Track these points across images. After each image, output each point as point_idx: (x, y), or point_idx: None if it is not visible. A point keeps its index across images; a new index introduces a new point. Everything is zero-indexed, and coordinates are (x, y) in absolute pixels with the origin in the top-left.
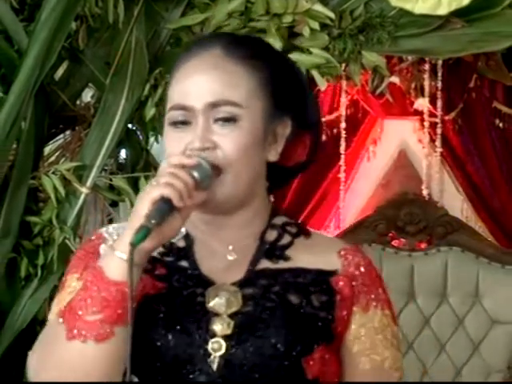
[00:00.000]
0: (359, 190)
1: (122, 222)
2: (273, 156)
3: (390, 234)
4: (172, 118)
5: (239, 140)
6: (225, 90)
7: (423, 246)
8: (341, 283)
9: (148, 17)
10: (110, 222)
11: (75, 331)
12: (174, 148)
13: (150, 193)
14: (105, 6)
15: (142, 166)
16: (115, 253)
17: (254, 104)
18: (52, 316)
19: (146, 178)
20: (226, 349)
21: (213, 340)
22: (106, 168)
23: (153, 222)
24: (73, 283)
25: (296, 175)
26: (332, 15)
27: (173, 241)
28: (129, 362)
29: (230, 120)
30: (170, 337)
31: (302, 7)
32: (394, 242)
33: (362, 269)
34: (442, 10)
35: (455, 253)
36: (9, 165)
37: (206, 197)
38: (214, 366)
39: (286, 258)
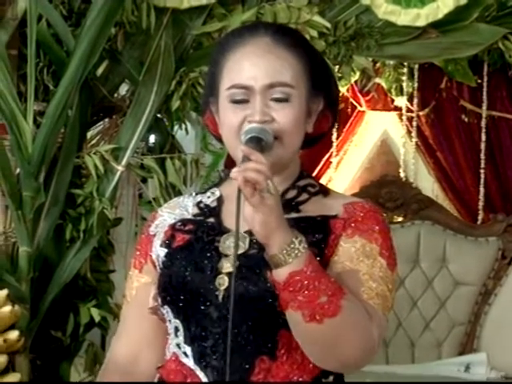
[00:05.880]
0: (347, 173)
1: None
2: (310, 128)
3: None
4: (233, 95)
5: (292, 115)
6: (278, 72)
7: (400, 219)
8: (337, 225)
9: (175, 24)
10: (141, 195)
11: None
12: (233, 121)
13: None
14: (139, 15)
15: (168, 148)
16: None
17: (300, 85)
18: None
19: (171, 158)
20: (229, 283)
21: (219, 276)
22: (137, 150)
23: None
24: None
25: (316, 142)
26: (328, 25)
27: (207, 202)
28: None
29: (284, 99)
30: (188, 274)
31: (304, 18)
32: None
33: (360, 213)
34: (421, 22)
35: (426, 226)
36: (57, 146)
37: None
38: (220, 298)
39: (297, 210)
